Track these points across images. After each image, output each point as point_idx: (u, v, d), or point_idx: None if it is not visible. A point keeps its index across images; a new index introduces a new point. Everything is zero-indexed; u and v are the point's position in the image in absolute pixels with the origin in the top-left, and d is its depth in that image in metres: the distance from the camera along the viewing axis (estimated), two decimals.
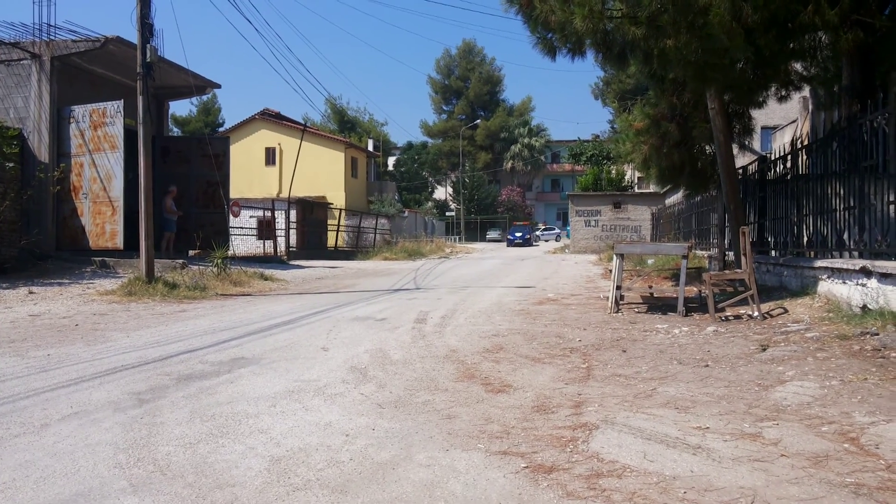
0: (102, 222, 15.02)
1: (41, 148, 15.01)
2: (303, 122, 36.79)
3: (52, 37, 14.86)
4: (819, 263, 8.14)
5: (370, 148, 53.90)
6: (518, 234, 48.73)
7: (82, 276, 13.43)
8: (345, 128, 64.41)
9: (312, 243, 28.83)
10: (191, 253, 17.52)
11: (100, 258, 14.66)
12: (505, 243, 51.38)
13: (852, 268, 7.09)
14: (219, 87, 19.68)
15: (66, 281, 12.61)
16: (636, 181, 44.62)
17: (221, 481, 3.03)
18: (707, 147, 12.67)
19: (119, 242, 14.92)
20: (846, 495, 2.80)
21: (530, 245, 47.85)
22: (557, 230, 66.03)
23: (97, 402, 4.41)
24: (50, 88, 15.02)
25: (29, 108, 15.04)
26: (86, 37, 14.90)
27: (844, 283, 7.35)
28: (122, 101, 14.97)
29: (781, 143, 16.79)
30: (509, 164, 70.97)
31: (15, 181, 13.76)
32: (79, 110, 15.19)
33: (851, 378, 4.67)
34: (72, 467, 3.21)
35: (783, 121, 25.18)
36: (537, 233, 60.53)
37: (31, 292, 10.91)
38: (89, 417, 4.04)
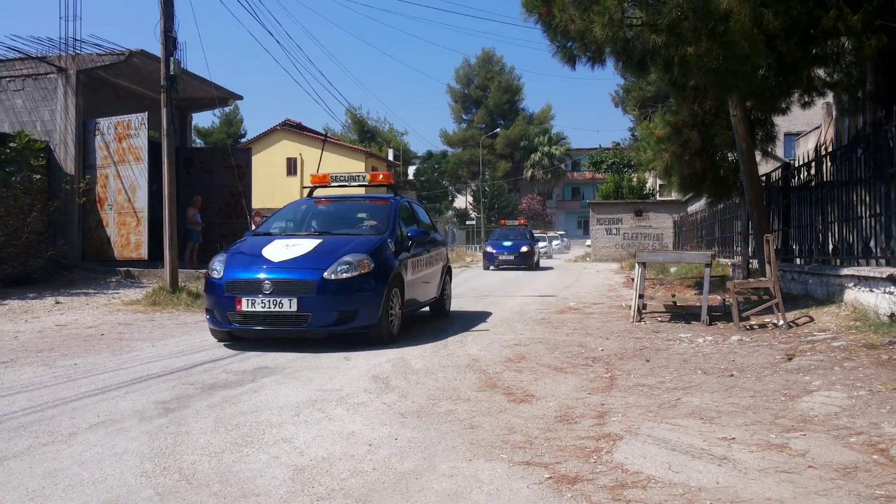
0: (127, 233, 15.21)
1: (67, 160, 15.25)
2: (323, 132, 37.03)
3: (77, 51, 15.11)
4: (845, 271, 8.02)
5: (390, 157, 54.17)
6: (506, 245, 24.93)
7: (107, 286, 13.60)
8: (365, 137, 64.67)
9: None
10: None
11: (125, 268, 14.84)
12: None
13: (879, 276, 6.98)
14: (241, 98, 19.91)
15: (92, 291, 12.78)
16: (657, 189, 44.30)
17: (246, 490, 3.04)
18: (729, 154, 12.55)
19: (144, 253, 15.08)
20: None
21: (532, 266, 25.03)
22: (561, 237, 56.04)
23: (123, 411, 4.46)
24: (76, 101, 15.24)
25: (55, 120, 15.29)
26: (110, 50, 15.14)
27: (871, 291, 7.24)
28: (147, 113, 15.15)
29: (805, 149, 16.60)
30: (529, 173, 70.83)
31: (42, 193, 14.00)
32: (104, 122, 15.40)
33: (880, 388, 4.60)
34: (99, 476, 3.24)
35: (806, 127, 24.87)
36: (542, 244, 35.15)
37: (57, 302, 11.07)
38: (116, 426, 4.09)
